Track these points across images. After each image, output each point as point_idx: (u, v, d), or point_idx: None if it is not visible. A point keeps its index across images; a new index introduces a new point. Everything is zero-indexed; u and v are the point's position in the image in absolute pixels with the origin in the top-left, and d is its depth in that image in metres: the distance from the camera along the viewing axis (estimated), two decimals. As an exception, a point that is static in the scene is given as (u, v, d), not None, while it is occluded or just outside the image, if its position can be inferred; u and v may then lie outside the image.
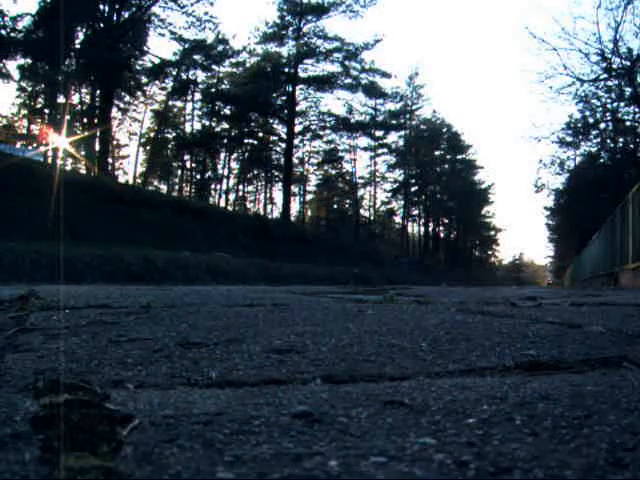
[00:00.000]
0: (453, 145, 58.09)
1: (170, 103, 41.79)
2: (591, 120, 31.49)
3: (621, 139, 33.04)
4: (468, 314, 2.91)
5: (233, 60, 39.10)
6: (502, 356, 1.55)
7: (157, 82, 37.25)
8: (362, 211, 53.60)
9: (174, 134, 44.36)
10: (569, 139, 33.70)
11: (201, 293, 5.23)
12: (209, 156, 42.48)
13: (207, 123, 41.87)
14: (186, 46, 33.46)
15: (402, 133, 51.29)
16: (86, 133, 30.12)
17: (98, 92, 29.43)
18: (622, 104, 29.29)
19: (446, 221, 64.83)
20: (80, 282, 9.50)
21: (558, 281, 59.02)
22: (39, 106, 35.41)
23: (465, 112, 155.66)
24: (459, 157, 59.98)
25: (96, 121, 29.05)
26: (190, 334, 1.94)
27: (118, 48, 28.34)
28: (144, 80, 35.53)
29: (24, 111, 37.06)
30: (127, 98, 38.72)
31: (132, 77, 32.87)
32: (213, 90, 39.47)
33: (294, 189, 46.11)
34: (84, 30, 28.71)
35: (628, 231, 12.95)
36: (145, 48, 32.04)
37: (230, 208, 42.46)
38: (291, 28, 38.22)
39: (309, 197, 53.69)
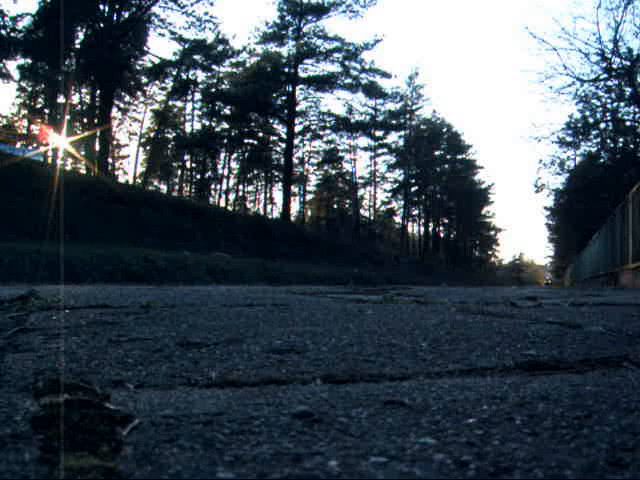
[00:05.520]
0: (453, 145, 58.10)
1: (170, 103, 41.79)
2: (591, 120, 31.51)
3: (621, 139, 33.05)
4: (468, 314, 2.91)
5: (233, 60, 39.11)
6: (502, 356, 1.55)
7: (157, 82, 37.28)
8: (362, 211, 53.66)
9: (174, 134, 44.40)
10: (569, 139, 33.74)
11: (201, 293, 5.23)
12: (209, 156, 42.47)
13: (207, 123, 41.88)
14: (186, 46, 33.46)
15: (402, 133, 51.30)
16: (86, 133, 30.13)
17: (98, 92, 29.42)
18: (622, 104, 29.32)
19: (446, 221, 64.86)
20: (80, 282, 9.50)
21: (558, 281, 59.06)
22: (39, 106, 35.41)
23: (465, 112, 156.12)
24: (459, 157, 60.00)
25: (96, 121, 29.05)
26: (190, 334, 1.94)
27: (118, 48, 28.34)
28: (144, 80, 35.56)
29: (24, 111, 37.06)
30: (127, 98, 38.76)
31: (132, 77, 32.88)
32: (213, 90, 39.46)
33: (294, 189, 46.15)
34: (84, 30, 28.71)
35: (628, 231, 12.95)
36: (145, 48, 32.07)
37: (230, 208, 42.46)
38: (291, 28, 38.21)
39: (309, 197, 53.75)
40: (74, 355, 1.51)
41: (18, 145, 33.33)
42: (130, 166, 45.37)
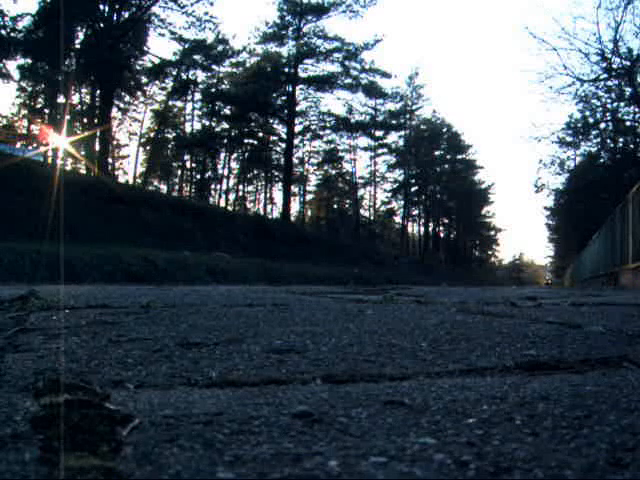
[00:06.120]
0: (453, 145, 58.10)
1: (170, 103, 41.80)
2: (591, 120, 31.52)
3: (621, 139, 33.05)
4: (468, 314, 2.91)
5: (233, 60, 39.13)
6: (502, 356, 1.55)
7: (157, 82, 37.29)
8: (362, 211, 53.65)
9: (174, 134, 44.39)
10: (569, 139, 33.75)
11: (201, 293, 5.23)
12: (209, 156, 42.47)
13: (207, 123, 41.88)
14: (186, 46, 33.47)
15: (402, 133, 51.31)
16: (86, 133, 30.14)
17: (98, 92, 29.43)
18: (622, 104, 29.33)
19: (446, 221, 64.86)
20: (80, 282, 9.50)
21: (558, 281, 59.09)
22: (39, 106, 35.40)
23: (465, 112, 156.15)
24: (459, 157, 60.00)
25: (96, 121, 29.05)
26: (190, 334, 1.94)
27: (118, 48, 28.33)
28: (144, 80, 35.58)
29: (24, 111, 37.05)
30: (127, 98, 38.77)
31: (132, 77, 32.88)
32: (213, 90, 39.46)
33: (294, 189, 46.14)
34: (84, 30, 28.71)
35: (628, 231, 12.95)
36: (145, 48, 32.08)
37: (230, 208, 42.45)
38: (291, 28, 38.22)
39: (309, 197, 53.75)
40: (74, 355, 1.51)
41: (18, 145, 33.31)
42: (130, 166, 45.37)
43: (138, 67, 33.15)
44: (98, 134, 28.62)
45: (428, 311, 3.10)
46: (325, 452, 0.72)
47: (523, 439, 0.78)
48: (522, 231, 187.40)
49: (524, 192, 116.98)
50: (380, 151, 51.78)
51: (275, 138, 43.72)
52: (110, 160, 35.67)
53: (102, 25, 27.98)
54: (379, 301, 4.17)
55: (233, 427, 0.83)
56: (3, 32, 24.56)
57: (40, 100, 35.19)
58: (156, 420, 0.86)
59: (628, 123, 31.09)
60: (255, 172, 48.56)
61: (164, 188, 46.78)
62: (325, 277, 18.23)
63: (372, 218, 54.77)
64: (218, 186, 45.28)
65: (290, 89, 39.11)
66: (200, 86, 39.18)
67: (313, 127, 44.30)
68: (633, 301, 4.70)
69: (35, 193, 15.85)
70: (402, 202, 54.11)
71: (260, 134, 43.17)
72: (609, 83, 27.61)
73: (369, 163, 52.91)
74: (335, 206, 54.59)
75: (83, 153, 31.89)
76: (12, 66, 28.09)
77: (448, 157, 59.10)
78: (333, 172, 51.05)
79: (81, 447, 0.71)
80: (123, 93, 36.11)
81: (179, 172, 46.89)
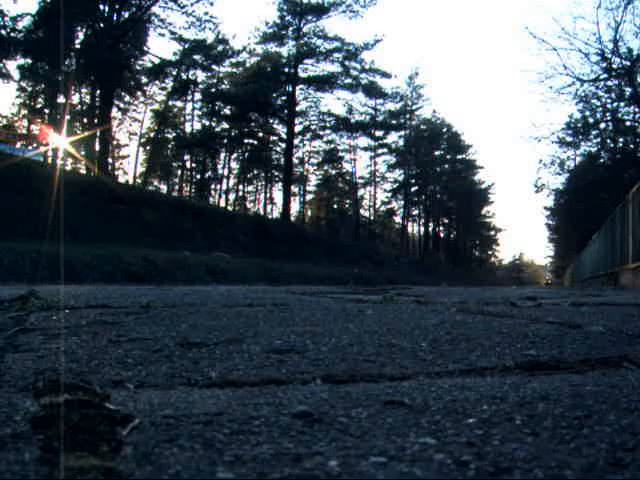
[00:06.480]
0: (453, 145, 58.10)
1: (170, 103, 41.81)
2: (591, 120, 31.50)
3: (621, 139, 33.03)
4: (468, 314, 2.91)
5: (233, 60, 39.15)
6: (502, 356, 1.55)
7: (157, 82, 37.30)
8: (362, 211, 53.64)
9: (174, 134, 44.39)
10: (569, 139, 33.72)
11: (201, 293, 5.23)
12: (209, 156, 42.47)
13: (207, 123, 41.88)
14: (186, 46, 33.47)
15: (402, 133, 51.30)
16: (86, 133, 30.15)
17: (98, 92, 29.43)
18: (622, 104, 29.31)
19: (446, 221, 64.86)
20: (80, 282, 9.50)
21: (558, 281, 59.09)
22: (39, 106, 35.40)
23: (465, 112, 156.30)
24: (459, 157, 60.01)
25: (96, 121, 29.05)
26: (190, 334, 1.94)
27: (118, 48, 28.33)
28: (144, 80, 35.59)
29: (24, 111, 37.05)
30: (127, 98, 38.77)
31: (132, 77, 32.89)
32: (213, 90, 39.46)
33: (294, 189, 46.14)
34: (84, 30, 28.71)
35: (628, 231, 12.95)
36: (145, 48, 32.09)
37: (230, 208, 42.45)
38: (291, 28, 38.23)
39: (309, 197, 53.75)
40: (74, 355, 1.51)
41: (18, 145, 33.31)
42: (130, 166, 45.36)
43: (138, 67, 33.18)
44: (98, 134, 28.63)
45: (428, 311, 3.10)
46: (325, 452, 0.72)
47: (523, 439, 0.78)
48: (522, 231, 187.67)
49: (524, 192, 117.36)
50: (380, 151, 51.81)
51: (275, 138, 43.76)
52: (110, 160, 35.69)
53: (102, 25, 27.98)
54: (379, 301, 4.17)
55: (233, 427, 0.83)
56: (3, 32, 24.57)
57: (40, 100, 35.19)
58: (156, 420, 0.86)
59: (628, 123, 31.09)
60: (255, 172, 48.56)
61: (164, 188, 46.84)
62: (325, 277, 18.23)
63: (372, 218, 54.77)
64: (218, 186, 45.34)
65: (290, 89, 39.10)
66: (200, 86, 39.22)
67: (313, 127, 44.33)
68: (633, 301, 4.70)
69: (35, 193, 15.85)
70: (402, 202, 54.11)
71: (260, 134, 43.17)
72: (609, 83, 27.62)
73: (369, 163, 52.98)
74: (335, 206, 54.57)
75: (83, 153, 31.90)
76: (12, 66, 28.13)
77: (448, 157, 59.11)
78: (333, 172, 51.05)
79: (81, 447, 0.71)
80: (123, 93, 36.12)
81: (179, 172, 46.92)
